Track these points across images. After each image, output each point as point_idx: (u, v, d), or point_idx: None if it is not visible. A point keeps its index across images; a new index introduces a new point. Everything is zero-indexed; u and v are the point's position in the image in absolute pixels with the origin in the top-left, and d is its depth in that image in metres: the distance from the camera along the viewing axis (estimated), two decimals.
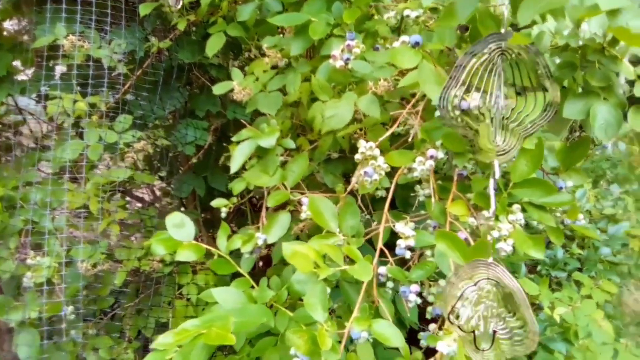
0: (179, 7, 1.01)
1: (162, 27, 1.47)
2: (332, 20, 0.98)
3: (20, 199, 1.23)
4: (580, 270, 1.83)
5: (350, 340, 0.82)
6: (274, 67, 1.24)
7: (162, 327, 1.39)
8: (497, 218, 0.86)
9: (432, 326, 0.88)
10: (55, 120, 1.32)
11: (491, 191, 0.55)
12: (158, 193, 1.83)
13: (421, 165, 0.79)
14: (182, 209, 1.75)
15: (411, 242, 0.81)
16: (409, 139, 0.90)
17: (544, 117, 0.52)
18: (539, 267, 1.79)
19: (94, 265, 1.27)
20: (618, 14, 0.75)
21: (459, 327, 0.58)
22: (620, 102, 0.85)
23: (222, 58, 1.57)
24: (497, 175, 0.53)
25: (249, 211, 1.66)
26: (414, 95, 0.95)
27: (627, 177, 2.16)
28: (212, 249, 1.09)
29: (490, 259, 0.55)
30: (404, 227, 0.81)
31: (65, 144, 1.23)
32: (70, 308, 1.26)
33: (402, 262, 0.92)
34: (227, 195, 1.72)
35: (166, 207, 1.60)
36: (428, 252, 0.88)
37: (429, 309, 0.86)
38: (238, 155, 0.97)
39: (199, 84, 1.57)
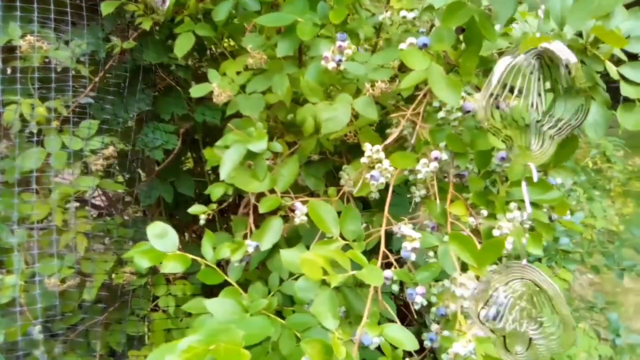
0: (167, 7, 0.96)
1: (122, 26, 1.40)
2: (318, 21, 0.96)
3: None
4: (539, 260, 1.91)
5: None
6: (246, 68, 1.21)
7: (138, 342, 1.32)
8: (495, 217, 0.87)
9: (435, 326, 0.89)
10: (7, 127, 1.23)
11: (525, 194, 0.55)
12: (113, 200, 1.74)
13: (425, 167, 0.79)
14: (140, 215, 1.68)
15: (417, 244, 0.81)
16: (404, 141, 0.90)
17: (577, 120, 0.53)
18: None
19: (63, 281, 1.19)
20: (610, 17, 0.78)
21: (491, 329, 0.58)
22: (606, 100, 0.88)
23: (185, 58, 1.51)
24: (535, 178, 0.54)
25: (216, 216, 1.61)
26: (406, 97, 0.95)
27: (574, 169, 2.27)
28: (199, 259, 1.05)
29: (524, 261, 0.55)
30: (410, 230, 0.81)
31: (28, 151, 1.14)
32: (37, 327, 1.18)
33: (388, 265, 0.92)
34: (194, 200, 1.67)
35: (132, 216, 1.53)
36: (430, 253, 0.88)
37: (433, 309, 0.87)
38: (227, 161, 0.93)
39: (161, 86, 1.50)
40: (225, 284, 1.09)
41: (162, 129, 1.41)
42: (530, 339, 0.56)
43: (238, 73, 1.18)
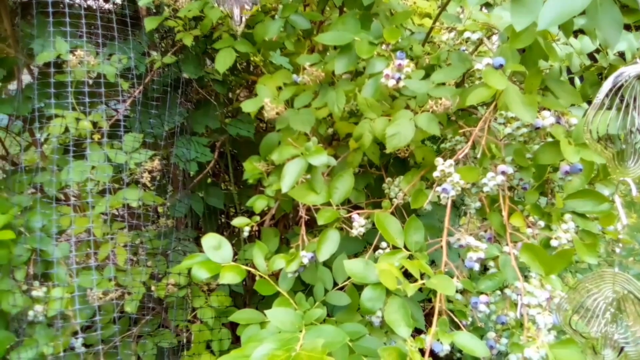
0: (243, 26, 0.99)
1: (160, 41, 1.42)
2: (373, 39, 1.00)
3: (25, 226, 1.14)
4: None
5: None
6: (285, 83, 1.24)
7: (173, 354, 1.33)
8: (549, 228, 0.91)
9: (492, 334, 0.92)
10: (50, 142, 1.24)
11: (619, 207, 0.59)
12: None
13: (493, 181, 0.83)
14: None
15: (481, 255, 0.85)
16: (459, 154, 0.93)
17: None
18: None
19: (105, 294, 1.20)
20: None
21: (581, 334, 0.62)
22: None
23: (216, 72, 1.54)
24: (634, 192, 0.58)
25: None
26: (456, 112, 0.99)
27: None
28: (253, 270, 1.07)
29: (616, 269, 0.59)
30: (475, 241, 0.84)
31: (74, 164, 1.15)
32: (80, 340, 1.18)
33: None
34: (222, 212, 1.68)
35: (161, 228, 1.53)
36: (491, 264, 0.91)
37: (493, 317, 0.90)
38: (288, 174, 0.95)
39: (194, 100, 1.52)
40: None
41: (197, 141, 1.42)
42: (620, 344, 0.60)
43: (280, 88, 1.21)
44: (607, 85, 0.54)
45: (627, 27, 0.91)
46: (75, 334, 1.15)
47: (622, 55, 1.00)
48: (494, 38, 1.10)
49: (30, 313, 1.13)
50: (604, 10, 0.61)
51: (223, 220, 1.80)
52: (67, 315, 1.13)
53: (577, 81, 1.14)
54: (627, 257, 2.10)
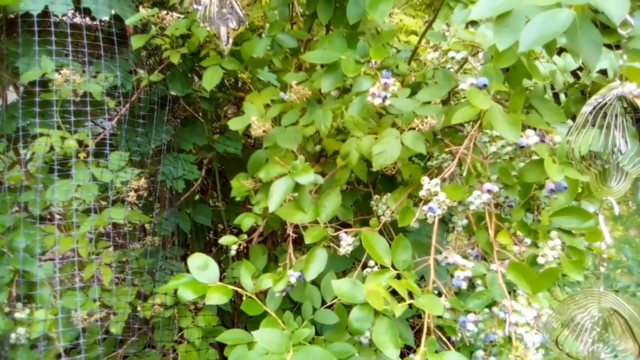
0: (230, 46, 0.99)
1: (147, 59, 1.42)
2: (359, 58, 1.00)
3: (8, 246, 1.12)
4: None
5: None
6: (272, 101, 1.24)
7: None
8: (536, 245, 0.92)
9: (481, 352, 0.92)
10: (36, 160, 1.23)
11: (602, 226, 0.59)
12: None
13: (479, 199, 0.83)
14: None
15: (469, 274, 0.84)
16: (445, 173, 0.93)
17: None
18: None
19: (90, 315, 1.18)
20: None
21: (567, 353, 0.61)
22: (633, 133, 0.95)
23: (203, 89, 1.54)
24: (617, 211, 0.58)
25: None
26: (442, 129, 0.99)
27: None
28: (240, 290, 1.06)
29: (601, 288, 0.59)
30: (462, 259, 0.84)
31: (59, 183, 1.14)
32: None
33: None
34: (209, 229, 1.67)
35: (147, 246, 1.52)
36: (479, 281, 0.91)
37: (482, 335, 0.90)
38: (276, 193, 0.95)
39: (182, 117, 1.52)
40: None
41: (184, 159, 1.42)
42: None
43: (268, 106, 1.21)
44: (588, 105, 0.55)
45: (609, 46, 0.93)
46: (58, 356, 1.13)
47: (604, 72, 1.01)
48: (480, 55, 1.12)
49: (13, 335, 1.11)
50: (584, 32, 0.61)
51: (211, 237, 1.79)
52: (50, 338, 1.11)
53: (562, 97, 1.15)
54: (615, 269, 2.11)
